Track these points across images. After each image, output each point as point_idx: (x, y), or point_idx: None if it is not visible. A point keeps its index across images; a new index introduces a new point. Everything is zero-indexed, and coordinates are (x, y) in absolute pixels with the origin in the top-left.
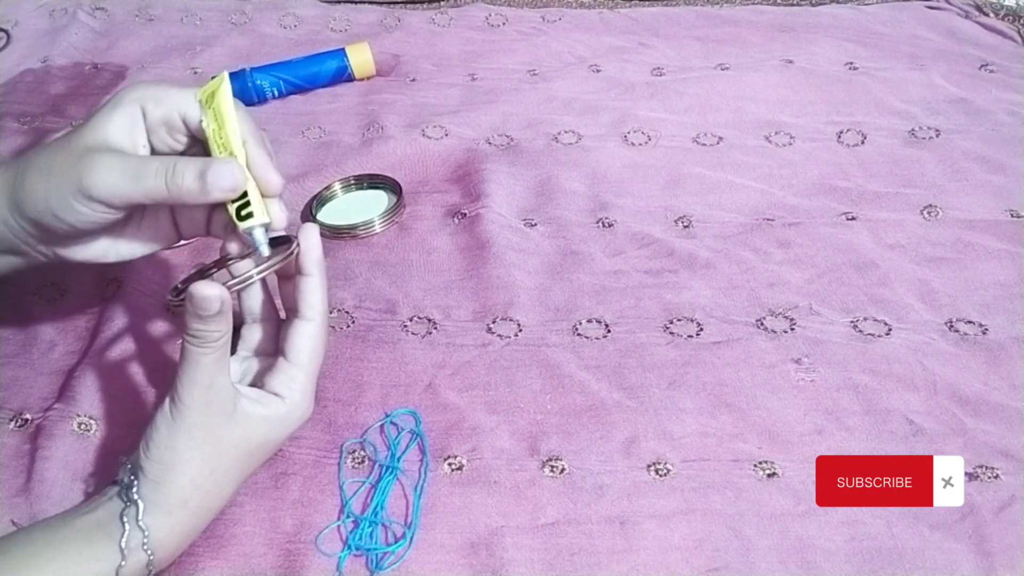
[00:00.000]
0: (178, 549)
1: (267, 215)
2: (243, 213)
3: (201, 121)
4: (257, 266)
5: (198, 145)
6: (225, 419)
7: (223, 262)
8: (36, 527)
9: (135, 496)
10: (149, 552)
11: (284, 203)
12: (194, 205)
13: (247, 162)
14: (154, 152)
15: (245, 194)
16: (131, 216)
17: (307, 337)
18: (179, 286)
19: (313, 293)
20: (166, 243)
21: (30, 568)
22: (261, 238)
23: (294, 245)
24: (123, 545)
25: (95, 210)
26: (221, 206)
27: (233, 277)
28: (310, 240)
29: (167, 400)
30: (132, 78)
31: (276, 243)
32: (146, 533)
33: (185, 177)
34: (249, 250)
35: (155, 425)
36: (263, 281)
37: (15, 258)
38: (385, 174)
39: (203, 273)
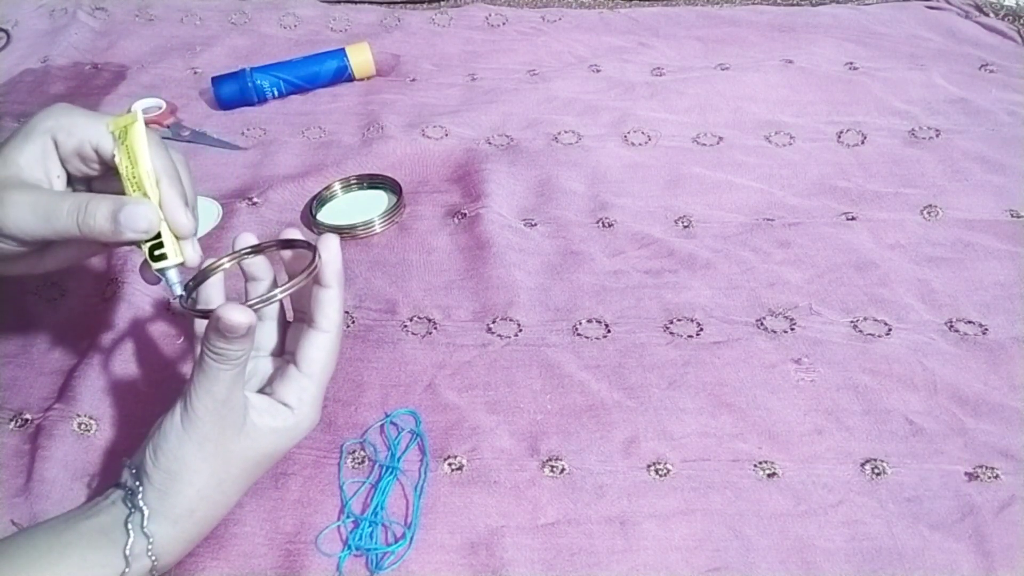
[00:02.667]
0: (181, 555)
1: (180, 255)
2: (156, 253)
3: (114, 156)
4: (279, 285)
5: (113, 171)
6: (235, 432)
7: (235, 256)
8: (39, 530)
9: (140, 503)
10: (153, 558)
11: (199, 243)
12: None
13: (160, 202)
14: (70, 179)
15: (159, 234)
16: None
17: (321, 348)
18: (189, 284)
19: (330, 304)
20: (98, 252)
21: (33, 572)
22: (174, 278)
23: (315, 257)
24: (128, 552)
25: (8, 244)
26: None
27: (250, 287)
28: (331, 252)
29: (178, 409)
30: (132, 78)
31: (293, 246)
32: (150, 540)
33: (96, 218)
34: (258, 245)
35: (163, 434)
36: (273, 282)
37: None
38: (385, 174)
39: (210, 271)
